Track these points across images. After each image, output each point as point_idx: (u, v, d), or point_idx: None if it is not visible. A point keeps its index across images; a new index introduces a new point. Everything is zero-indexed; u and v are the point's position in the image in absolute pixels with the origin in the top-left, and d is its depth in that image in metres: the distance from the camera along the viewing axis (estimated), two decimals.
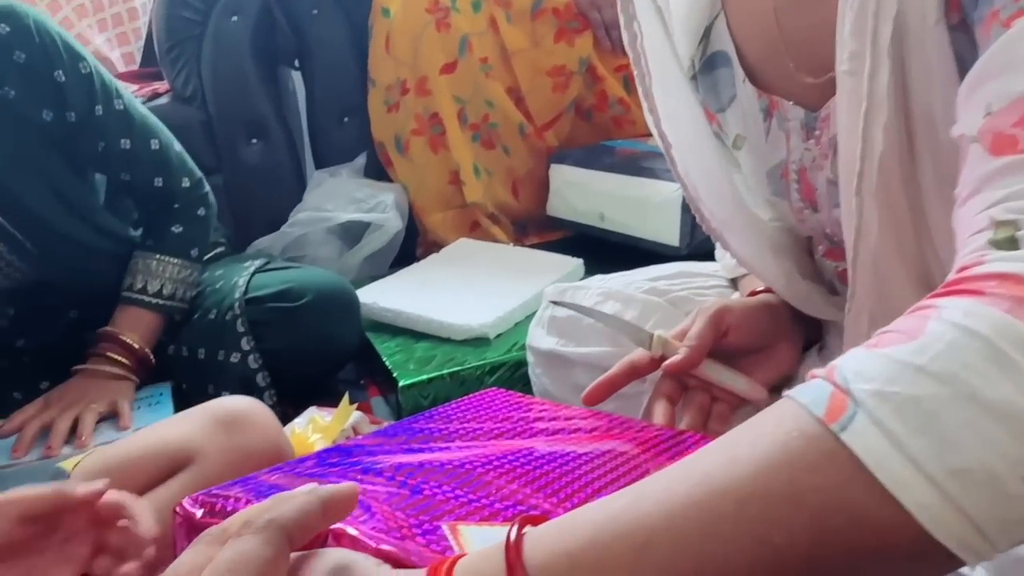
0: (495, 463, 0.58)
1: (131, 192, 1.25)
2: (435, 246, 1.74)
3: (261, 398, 1.15)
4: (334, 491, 0.40)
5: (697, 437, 0.64)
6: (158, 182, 1.22)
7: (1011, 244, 0.38)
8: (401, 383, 1.22)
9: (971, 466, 0.32)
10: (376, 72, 1.72)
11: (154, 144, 1.21)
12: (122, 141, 1.17)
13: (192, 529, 0.49)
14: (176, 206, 1.24)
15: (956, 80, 0.50)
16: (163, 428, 0.90)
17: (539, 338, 0.97)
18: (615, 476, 0.56)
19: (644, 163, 1.61)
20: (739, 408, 0.78)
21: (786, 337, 0.80)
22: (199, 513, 0.49)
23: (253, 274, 1.26)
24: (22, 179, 1.09)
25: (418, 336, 1.34)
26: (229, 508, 0.48)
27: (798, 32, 0.66)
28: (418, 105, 1.70)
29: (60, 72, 1.08)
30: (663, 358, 0.76)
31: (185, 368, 1.23)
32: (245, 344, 1.19)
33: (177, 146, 1.25)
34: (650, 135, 1.85)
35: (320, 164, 1.83)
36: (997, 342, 0.34)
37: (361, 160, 1.81)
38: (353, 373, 1.41)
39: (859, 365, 0.36)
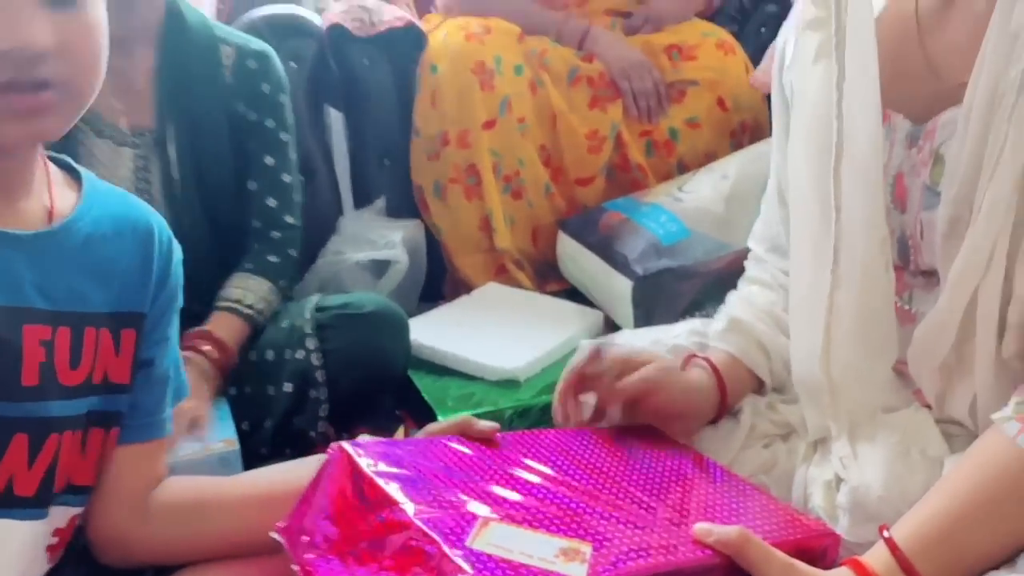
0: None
1: (248, 203, 1.43)
2: (463, 285, 1.86)
3: (316, 392, 1.31)
4: None
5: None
6: (271, 202, 1.42)
7: None
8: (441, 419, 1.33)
9: None
10: (421, 123, 1.85)
11: (286, 177, 1.44)
12: (267, 157, 1.41)
13: (345, 475, 0.62)
14: (275, 235, 1.42)
15: None
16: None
17: None
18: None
19: (617, 243, 1.69)
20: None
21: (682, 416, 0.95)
22: (365, 464, 0.62)
23: (321, 298, 1.43)
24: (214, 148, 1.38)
25: (450, 373, 1.46)
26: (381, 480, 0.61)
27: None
28: (457, 156, 1.82)
29: (266, 85, 1.45)
30: None
31: (249, 371, 1.34)
32: (310, 343, 1.33)
33: (299, 195, 1.47)
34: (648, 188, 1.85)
35: (359, 203, 1.94)
36: None
37: (380, 203, 1.91)
38: (389, 404, 1.53)
39: None
